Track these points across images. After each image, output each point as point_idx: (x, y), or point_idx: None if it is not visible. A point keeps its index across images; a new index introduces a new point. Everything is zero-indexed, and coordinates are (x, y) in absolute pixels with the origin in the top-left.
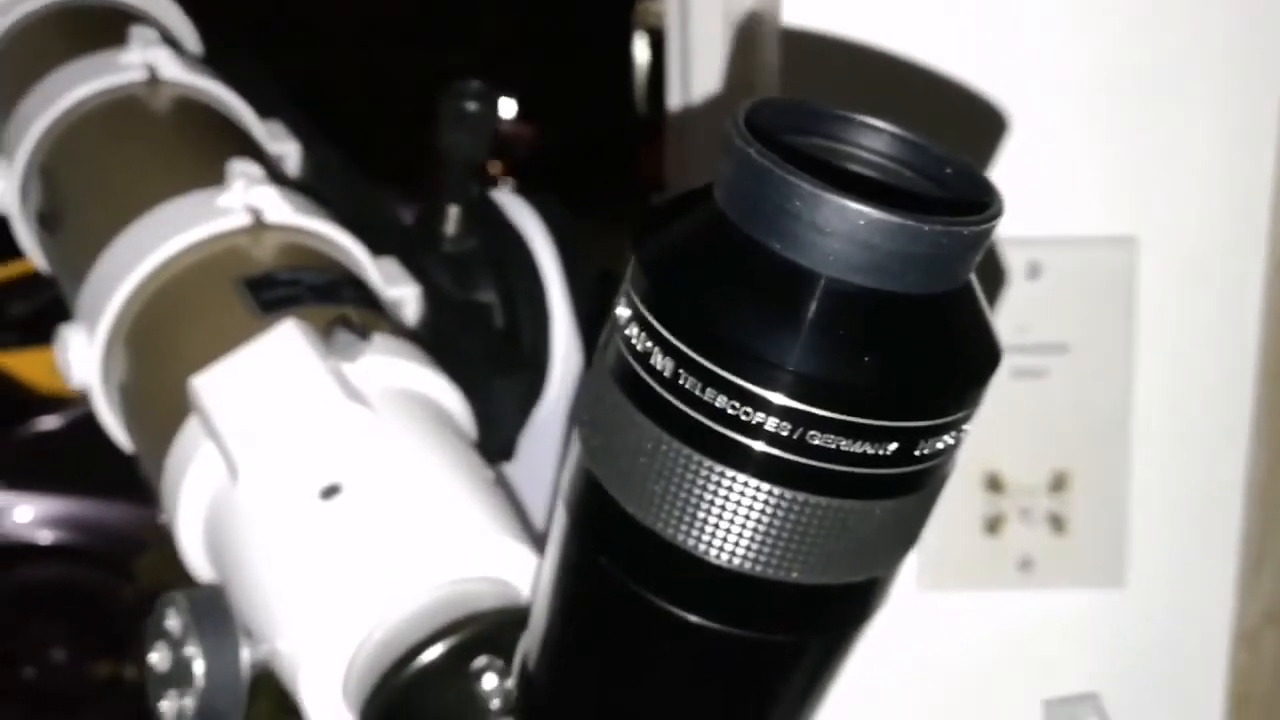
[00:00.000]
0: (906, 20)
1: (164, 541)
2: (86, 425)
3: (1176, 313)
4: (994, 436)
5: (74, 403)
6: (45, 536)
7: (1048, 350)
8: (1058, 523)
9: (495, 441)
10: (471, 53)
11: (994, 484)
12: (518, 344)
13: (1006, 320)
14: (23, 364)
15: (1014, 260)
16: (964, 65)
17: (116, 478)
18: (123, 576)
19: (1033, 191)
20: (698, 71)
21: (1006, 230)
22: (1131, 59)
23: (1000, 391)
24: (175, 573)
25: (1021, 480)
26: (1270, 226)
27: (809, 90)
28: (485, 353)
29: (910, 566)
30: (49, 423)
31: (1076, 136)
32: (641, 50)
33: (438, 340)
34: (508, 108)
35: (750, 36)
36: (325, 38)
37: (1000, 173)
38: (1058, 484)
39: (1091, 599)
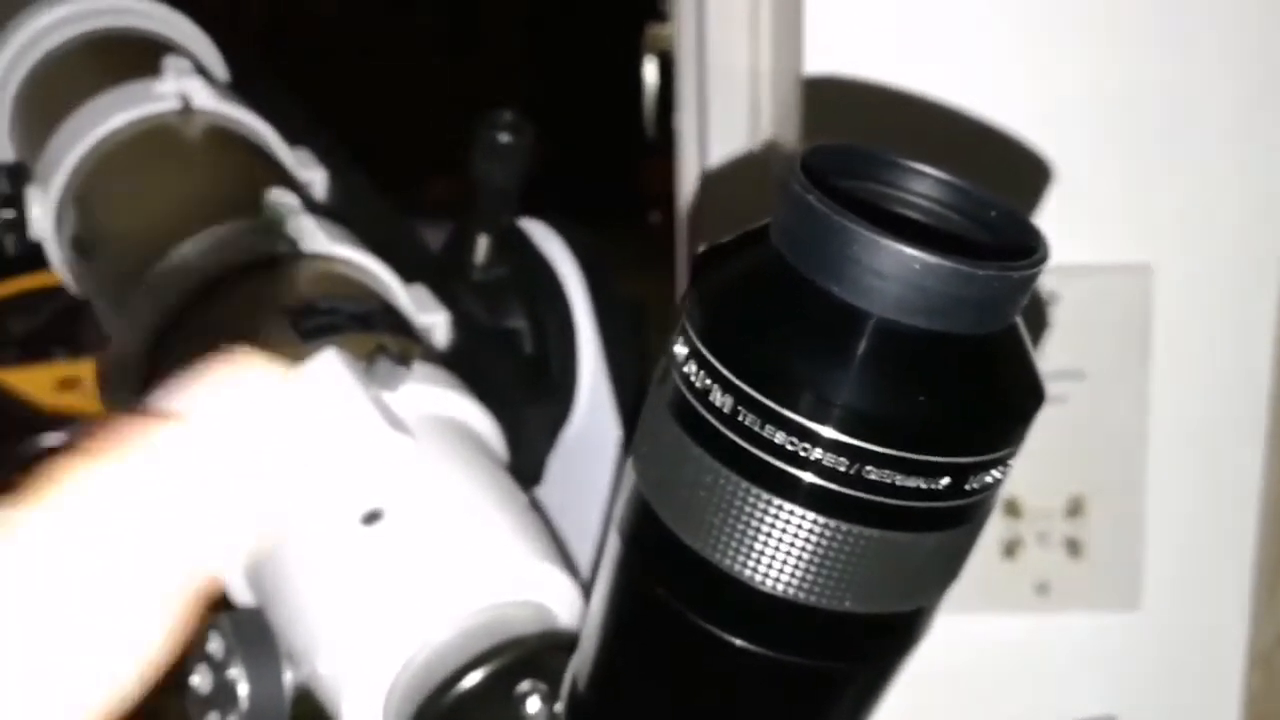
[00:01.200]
0: (920, 50)
1: None
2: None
3: (1192, 339)
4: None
5: (74, 421)
6: None
7: (1065, 377)
8: (1074, 547)
9: (524, 466)
10: (475, 67)
11: (1012, 509)
12: (546, 370)
13: None
14: (24, 381)
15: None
16: (980, 97)
17: None
18: None
19: (1049, 219)
20: (714, 123)
21: None
22: (1145, 85)
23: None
24: None
25: (1039, 505)
26: None
27: (832, 136)
28: (515, 379)
29: None
30: (51, 440)
31: (1092, 164)
32: (651, 73)
33: (468, 367)
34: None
35: (765, 78)
36: (328, 52)
37: (1015, 202)
38: (1074, 509)
39: (1107, 622)
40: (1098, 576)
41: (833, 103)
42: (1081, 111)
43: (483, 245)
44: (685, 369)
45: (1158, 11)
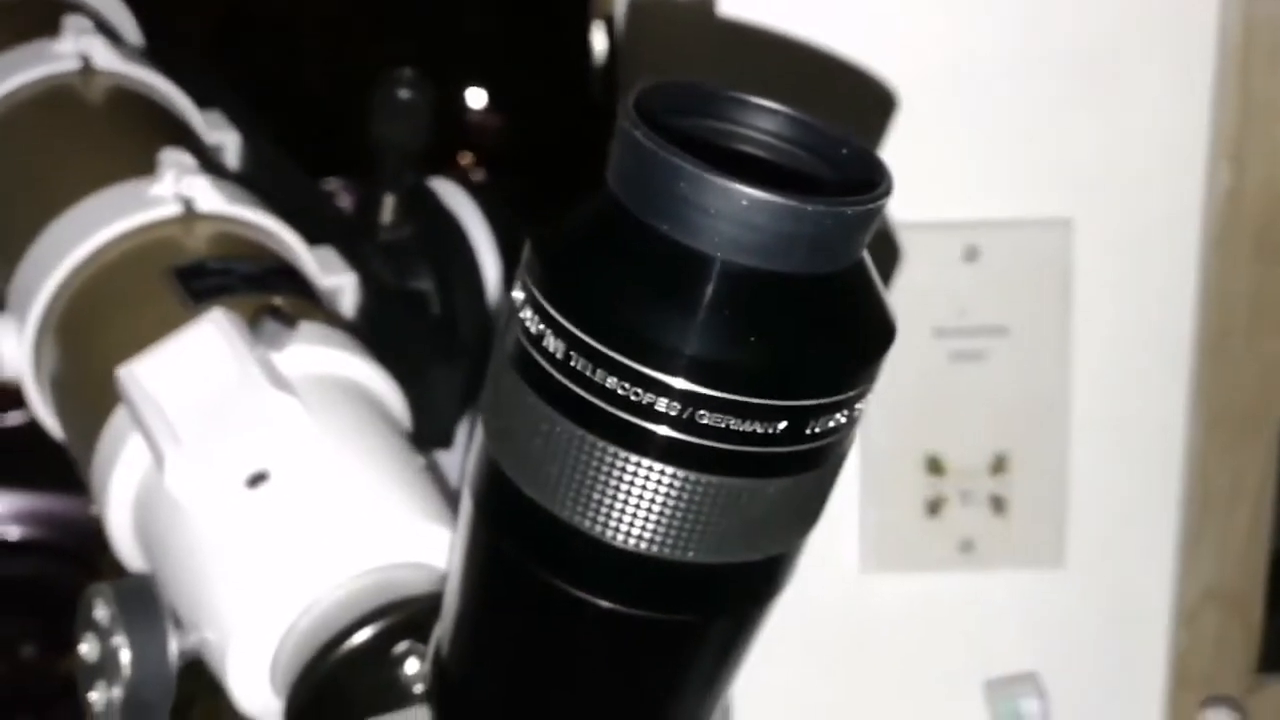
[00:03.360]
0: (836, 8)
1: None
2: None
3: (1113, 294)
4: (935, 419)
5: None
6: (13, 533)
7: (987, 333)
8: (998, 504)
9: (433, 429)
10: (442, 42)
11: (935, 466)
12: (455, 331)
13: (946, 303)
14: None
15: (952, 244)
16: (897, 48)
17: None
18: (92, 573)
19: (969, 175)
20: (643, 61)
21: (944, 214)
22: (1065, 40)
23: (940, 374)
24: None
25: (962, 462)
26: (1205, 207)
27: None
28: (421, 340)
29: (852, 548)
30: (14, 418)
31: (1011, 119)
32: (599, 39)
33: (375, 329)
34: (478, 98)
35: (688, 28)
36: (288, 30)
37: (936, 158)
38: (998, 466)
39: (1032, 579)
40: (1022, 534)
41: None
42: (1000, 66)
43: (388, 205)
44: (522, 315)
45: None
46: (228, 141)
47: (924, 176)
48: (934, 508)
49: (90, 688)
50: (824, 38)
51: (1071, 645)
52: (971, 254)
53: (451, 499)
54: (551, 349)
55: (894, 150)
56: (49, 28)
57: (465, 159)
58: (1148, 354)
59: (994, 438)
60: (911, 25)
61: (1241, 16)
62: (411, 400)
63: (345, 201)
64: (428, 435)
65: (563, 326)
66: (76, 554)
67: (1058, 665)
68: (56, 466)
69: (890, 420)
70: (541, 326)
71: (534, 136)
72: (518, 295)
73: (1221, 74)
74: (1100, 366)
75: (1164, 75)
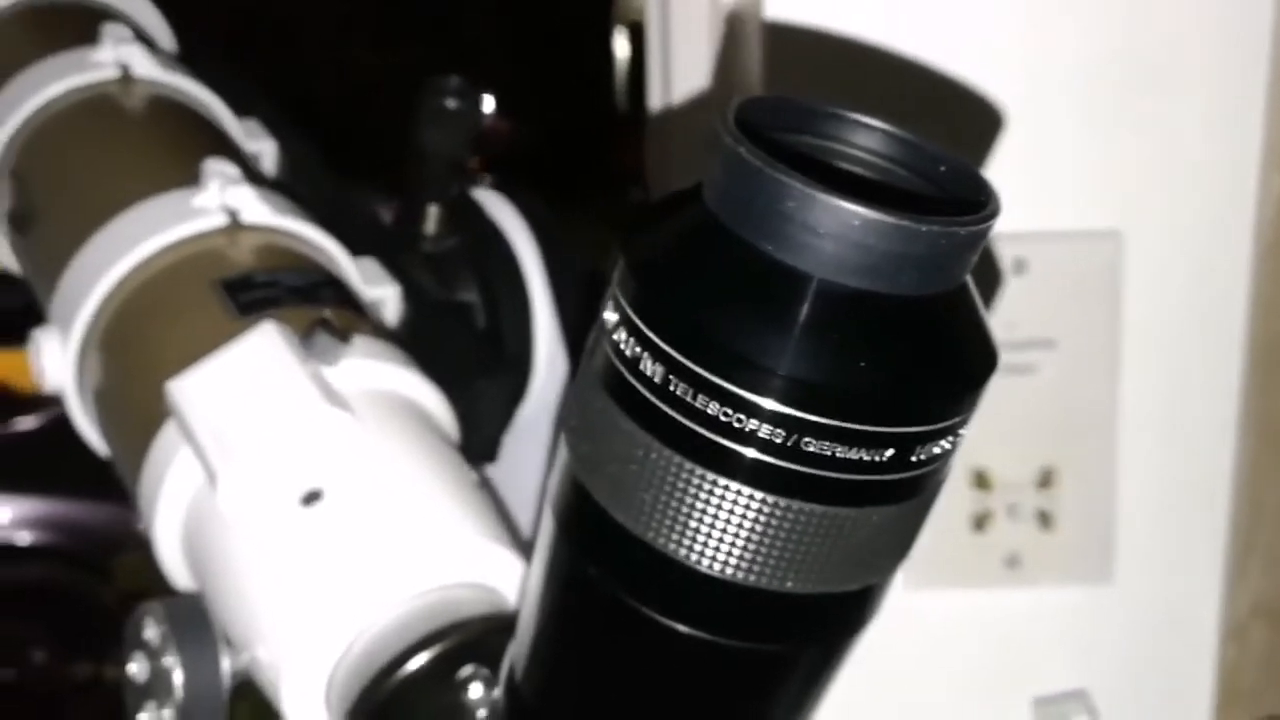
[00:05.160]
0: (890, 13)
1: (144, 543)
2: (65, 425)
3: (1163, 306)
4: (981, 433)
5: (52, 403)
6: (24, 537)
7: (1035, 346)
8: (1045, 519)
9: (478, 443)
10: (451, 47)
11: (981, 481)
12: (500, 344)
13: (993, 316)
14: (0, 364)
15: (1000, 256)
16: (948, 58)
17: (96, 478)
18: (103, 577)
19: (1017, 186)
20: (679, 68)
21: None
22: (1115, 52)
23: (987, 388)
24: (155, 574)
25: (1009, 477)
26: (1256, 218)
27: (794, 87)
28: (467, 353)
29: None
30: (26, 423)
31: (1060, 130)
32: (621, 45)
33: (419, 341)
34: (487, 103)
35: (733, 32)
36: (302, 35)
37: (984, 169)
38: (1045, 480)
39: (1079, 595)
40: (1069, 549)
41: (796, 56)
42: (1053, 78)
43: (433, 216)
44: (615, 336)
45: None
46: (265, 150)
47: None
48: (980, 523)
49: (139, 708)
50: (872, 41)
51: (1119, 662)
52: (1020, 266)
53: (505, 515)
54: (649, 373)
55: (957, 147)
56: (88, 35)
57: (472, 163)
58: (1197, 367)
59: (1041, 452)
60: (959, 37)
61: None
62: (457, 413)
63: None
64: (474, 448)
65: (661, 350)
66: (86, 559)
67: (1106, 682)
68: (66, 472)
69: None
70: (638, 349)
71: (546, 141)
72: (610, 316)
73: (1273, 85)
74: (1149, 380)
75: (1214, 86)
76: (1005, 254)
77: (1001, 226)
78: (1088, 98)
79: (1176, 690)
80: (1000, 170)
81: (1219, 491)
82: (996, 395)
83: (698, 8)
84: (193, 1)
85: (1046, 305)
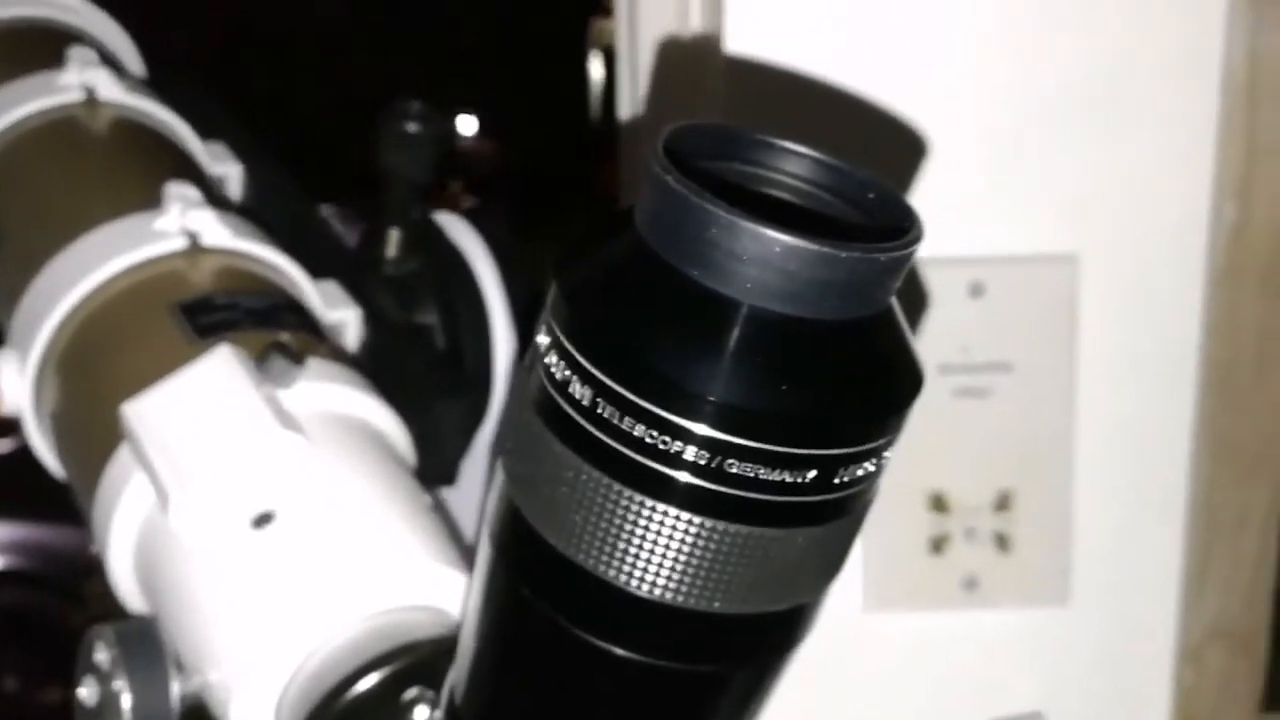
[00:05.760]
0: (847, 46)
1: None
2: None
3: (1118, 330)
4: (938, 456)
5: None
6: None
7: (991, 369)
8: (1003, 541)
9: (437, 465)
10: (431, 68)
11: (939, 504)
12: (460, 366)
13: (950, 340)
14: None
15: (957, 280)
16: (906, 89)
17: (66, 502)
18: (74, 602)
19: (976, 211)
20: (647, 95)
21: (949, 249)
22: (1071, 82)
23: (944, 411)
24: None
25: (966, 500)
26: (1209, 244)
27: (754, 118)
28: (426, 375)
29: (855, 587)
30: (1, 445)
31: (1017, 158)
32: (596, 68)
33: (379, 363)
34: (468, 125)
35: (695, 62)
36: (285, 54)
37: (942, 193)
38: (1002, 503)
39: (1037, 617)
40: (1027, 571)
41: (755, 88)
42: (1011, 108)
43: (394, 239)
44: (546, 359)
45: (1085, 6)
46: (230, 173)
47: (929, 212)
48: (938, 545)
49: None
50: (829, 74)
51: (1076, 683)
52: (977, 290)
53: (459, 538)
54: (578, 395)
55: (899, 186)
56: (53, 58)
57: (454, 185)
58: (1153, 390)
59: (998, 475)
60: (916, 62)
61: (1246, 56)
62: (416, 436)
63: (339, 228)
64: (432, 471)
65: (590, 373)
66: (57, 584)
67: (1063, 704)
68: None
69: (893, 457)
70: (568, 372)
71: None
72: (542, 340)
73: (1226, 112)
74: (1105, 403)
75: (1169, 113)
76: (962, 277)
77: (959, 250)
78: (1044, 127)
79: (1133, 712)
80: (959, 196)
81: (1174, 514)
82: (954, 418)
83: (664, 39)
84: (181, 17)
85: (1003, 329)
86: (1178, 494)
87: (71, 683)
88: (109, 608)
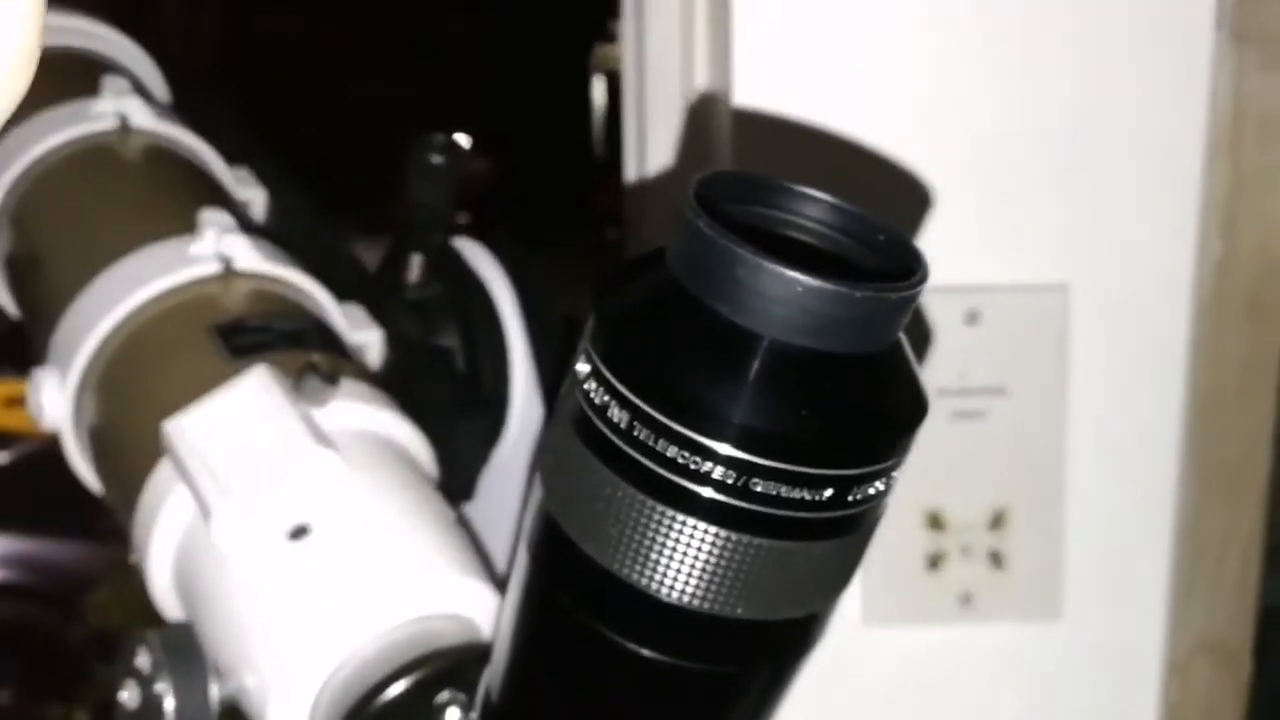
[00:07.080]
0: (843, 90)
1: (114, 581)
2: (34, 463)
3: (1108, 356)
4: (935, 476)
5: (21, 439)
6: None
7: (987, 393)
8: (996, 559)
9: (456, 481)
10: (428, 86)
11: (935, 522)
12: (478, 387)
13: (947, 365)
14: None
15: (954, 307)
16: (894, 121)
17: (65, 516)
18: (72, 616)
19: (972, 242)
20: (653, 141)
21: (947, 278)
22: (1060, 113)
23: (941, 433)
24: (125, 612)
25: (962, 518)
26: (1195, 275)
27: (757, 162)
28: (447, 396)
29: (855, 602)
30: None
31: (1012, 191)
32: (599, 93)
33: (401, 384)
34: (463, 142)
35: (704, 112)
36: (282, 71)
37: (939, 226)
38: (996, 521)
39: (1029, 632)
40: (1019, 587)
41: (760, 135)
42: (1000, 138)
43: (416, 264)
44: (586, 386)
45: (1072, 39)
46: (254, 198)
47: (927, 243)
48: (934, 562)
49: None
50: (830, 121)
51: (1067, 697)
52: (972, 317)
53: (481, 550)
54: (616, 419)
55: (898, 219)
56: (88, 86)
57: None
58: (1141, 414)
59: (993, 494)
60: (910, 98)
61: (1231, 92)
62: (436, 453)
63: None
64: (451, 486)
65: (626, 398)
66: (56, 598)
67: (1054, 717)
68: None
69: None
70: (606, 397)
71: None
72: (582, 367)
73: (1212, 146)
74: (1095, 426)
75: (1156, 147)
76: (959, 305)
77: (956, 279)
78: (1036, 163)
79: None
80: (955, 229)
81: (1162, 532)
82: (951, 440)
83: (670, 91)
84: (178, 35)
85: (998, 354)
86: (1165, 514)
87: (70, 697)
88: (108, 622)
